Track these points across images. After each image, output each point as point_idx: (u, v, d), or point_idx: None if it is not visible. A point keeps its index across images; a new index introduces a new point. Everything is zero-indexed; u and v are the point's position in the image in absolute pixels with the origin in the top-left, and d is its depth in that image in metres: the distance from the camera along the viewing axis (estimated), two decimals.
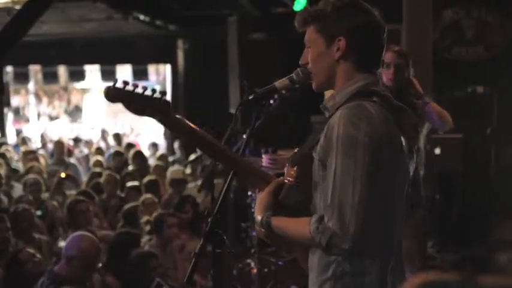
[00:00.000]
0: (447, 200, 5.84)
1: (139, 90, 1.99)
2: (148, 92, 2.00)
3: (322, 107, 2.09)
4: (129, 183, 6.78)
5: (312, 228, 1.84)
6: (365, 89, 1.97)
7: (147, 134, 14.68)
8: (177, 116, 2.09)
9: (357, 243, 1.79)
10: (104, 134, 13.23)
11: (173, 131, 2.18)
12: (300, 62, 2.13)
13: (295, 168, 2.03)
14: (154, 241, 4.89)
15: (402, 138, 1.92)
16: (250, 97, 2.28)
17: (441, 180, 5.35)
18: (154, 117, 2.08)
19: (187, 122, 2.11)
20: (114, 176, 6.87)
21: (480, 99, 6.58)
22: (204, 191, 3.85)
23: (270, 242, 2.19)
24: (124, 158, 8.93)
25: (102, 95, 2.01)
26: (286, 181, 2.05)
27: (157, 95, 2.01)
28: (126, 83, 1.99)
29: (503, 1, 6.97)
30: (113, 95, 1.99)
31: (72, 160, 9.40)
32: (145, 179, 7.08)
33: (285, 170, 2.12)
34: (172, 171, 7.46)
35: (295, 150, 2.18)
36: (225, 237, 2.17)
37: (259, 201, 2.08)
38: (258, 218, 2.03)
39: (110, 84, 1.99)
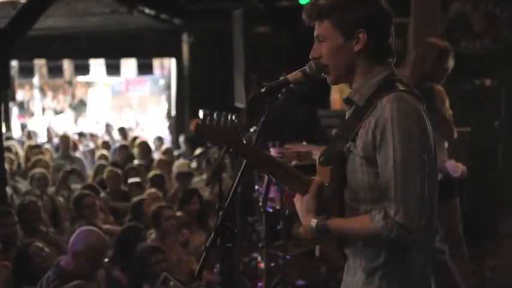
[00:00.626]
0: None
1: (214, 121, 1.92)
2: (223, 121, 1.93)
3: (346, 101, 2.08)
4: (131, 180, 6.75)
5: (380, 225, 1.85)
6: (389, 79, 1.99)
7: (152, 128, 14.70)
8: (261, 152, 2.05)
9: (420, 233, 1.85)
10: (108, 128, 13.25)
11: (243, 157, 2.12)
12: (311, 56, 2.11)
13: (329, 167, 2.01)
14: (154, 235, 4.88)
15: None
16: (263, 90, 2.26)
17: (441, 185, 5.31)
18: (230, 147, 2.05)
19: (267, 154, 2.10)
20: (116, 172, 6.83)
21: (488, 92, 6.53)
22: (212, 185, 3.83)
23: (316, 244, 2.17)
24: (129, 152, 8.93)
25: (193, 127, 1.96)
26: (323, 182, 2.02)
27: (229, 122, 1.93)
28: (208, 115, 1.92)
29: None
30: (200, 131, 1.93)
31: (78, 154, 9.40)
32: (151, 174, 7.06)
33: (316, 168, 2.09)
34: (178, 164, 7.45)
35: (322, 148, 2.15)
36: (235, 231, 2.16)
37: (304, 207, 2.03)
38: (312, 224, 1.99)
39: (200, 118, 1.92)
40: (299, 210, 2.08)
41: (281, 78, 2.27)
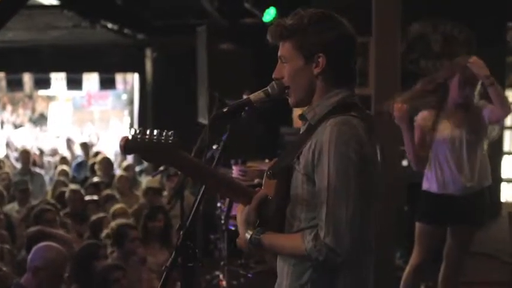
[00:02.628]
0: (415, 211, 5.88)
1: (146, 137, 1.88)
2: (155, 137, 1.89)
3: (301, 117, 2.11)
4: (87, 197, 6.63)
5: (309, 246, 1.87)
6: (344, 102, 2.01)
7: (114, 143, 14.54)
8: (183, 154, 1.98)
9: (350, 256, 1.86)
10: (69, 142, 13.06)
11: (181, 171, 2.11)
12: (273, 76, 2.13)
13: (275, 181, 2.03)
14: (116, 254, 4.82)
15: (377, 148, 1.99)
16: (225, 110, 2.27)
17: (409, 192, 5.40)
18: (164, 163, 2.03)
19: (190, 157, 2.03)
20: (79, 191, 6.67)
21: None
22: (173, 203, 3.80)
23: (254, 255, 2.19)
24: (91, 168, 8.81)
25: (118, 145, 1.91)
26: (266, 195, 2.04)
27: (163, 137, 1.89)
28: (138, 132, 1.89)
29: (468, 16, 7.11)
30: (130, 147, 1.90)
31: (38, 170, 9.25)
32: (104, 193, 6.95)
33: (263, 181, 2.11)
34: (148, 180, 7.35)
35: (272, 162, 2.17)
36: (196, 251, 2.16)
37: (243, 218, 2.05)
38: (247, 236, 2.02)
39: (126, 135, 1.89)
40: (238, 221, 2.09)
41: (244, 97, 2.30)
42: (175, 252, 2.11)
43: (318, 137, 1.93)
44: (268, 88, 2.19)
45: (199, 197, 2.16)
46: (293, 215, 1.99)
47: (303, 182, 1.95)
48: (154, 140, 1.89)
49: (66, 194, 6.57)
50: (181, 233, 2.13)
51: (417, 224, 4.23)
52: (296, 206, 1.98)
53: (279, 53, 2.10)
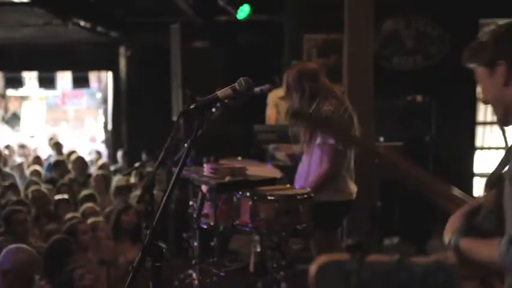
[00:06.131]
0: (388, 207, 5.93)
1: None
2: None
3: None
4: (58, 196, 6.54)
5: (502, 249, 1.78)
6: None
7: (88, 142, 14.40)
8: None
9: None
10: (43, 142, 12.91)
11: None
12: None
13: (493, 191, 1.96)
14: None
15: None
16: (192, 106, 2.25)
17: (382, 188, 5.43)
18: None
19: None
20: (43, 191, 6.57)
21: (419, 108, 6.73)
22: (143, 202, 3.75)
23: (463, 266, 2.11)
24: (65, 167, 8.70)
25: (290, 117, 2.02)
26: (484, 205, 1.97)
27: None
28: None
29: (441, 13, 7.16)
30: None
31: (8, 169, 9.11)
32: (82, 193, 6.88)
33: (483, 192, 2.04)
34: (116, 179, 7.29)
35: (492, 172, 2.11)
36: (164, 250, 2.13)
37: (450, 224, 1.99)
38: (446, 239, 1.96)
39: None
40: (446, 227, 2.03)
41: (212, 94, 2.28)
42: (142, 252, 2.09)
43: None
44: (236, 84, 2.18)
45: (166, 196, 2.13)
46: (503, 225, 1.91)
47: (510, 190, 1.86)
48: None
49: (29, 194, 6.47)
50: (147, 232, 2.11)
51: None
52: (506, 216, 1.90)
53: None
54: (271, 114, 6.18)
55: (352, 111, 3.86)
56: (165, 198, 2.11)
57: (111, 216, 5.84)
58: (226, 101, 2.33)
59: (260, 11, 8.18)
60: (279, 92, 5.26)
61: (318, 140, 3.79)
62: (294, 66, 4.12)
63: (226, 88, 2.26)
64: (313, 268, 0.95)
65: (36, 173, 8.47)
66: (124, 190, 6.85)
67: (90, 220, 5.20)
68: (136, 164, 6.60)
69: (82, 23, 8.88)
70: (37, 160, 10.01)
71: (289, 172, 4.23)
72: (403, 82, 7.07)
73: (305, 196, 3.56)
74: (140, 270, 2.11)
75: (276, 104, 6.04)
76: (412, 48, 7.38)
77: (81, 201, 6.53)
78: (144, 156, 9.19)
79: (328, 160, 3.80)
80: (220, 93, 2.26)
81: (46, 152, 11.96)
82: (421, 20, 7.37)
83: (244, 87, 2.20)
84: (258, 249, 3.83)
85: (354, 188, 4.01)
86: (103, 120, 13.74)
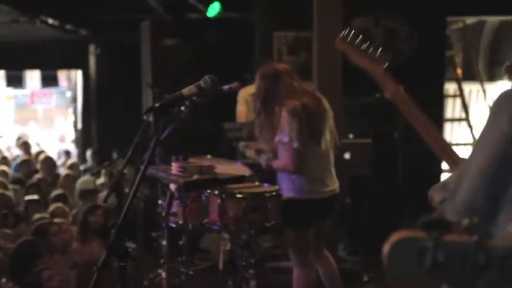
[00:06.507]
0: (357, 204, 5.96)
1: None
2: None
3: None
4: (28, 197, 6.43)
5: None
6: None
7: (57, 142, 14.23)
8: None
9: None
10: (11, 142, 12.70)
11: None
12: None
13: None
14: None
15: None
16: (157, 104, 2.24)
17: (351, 184, 5.46)
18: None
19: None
20: (7, 195, 6.45)
21: (388, 105, 6.76)
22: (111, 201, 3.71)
23: None
24: (33, 167, 8.58)
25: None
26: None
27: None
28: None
29: (409, 10, 7.22)
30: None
31: None
32: (53, 193, 6.78)
33: None
34: (82, 181, 7.15)
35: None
36: (129, 250, 2.11)
37: None
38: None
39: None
40: None
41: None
42: (106, 251, 2.07)
43: None
44: (201, 82, 2.17)
45: (131, 195, 2.12)
46: None
47: None
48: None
49: None
50: (112, 231, 2.09)
51: None
52: None
53: None
54: (241, 111, 6.16)
55: (325, 109, 3.85)
56: (130, 197, 2.08)
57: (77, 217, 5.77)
58: (194, 98, 2.32)
59: (230, 9, 8.16)
60: (250, 89, 5.25)
61: (276, 138, 3.70)
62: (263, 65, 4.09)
63: (192, 86, 2.25)
64: (389, 242, 0.93)
65: (2, 173, 8.33)
66: (87, 194, 6.73)
67: (55, 221, 5.13)
68: (106, 163, 6.51)
69: (50, 21, 8.76)
70: (4, 160, 9.84)
71: (258, 169, 4.22)
72: (372, 79, 7.12)
73: (273, 194, 3.56)
74: (106, 270, 2.09)
75: (247, 101, 6.02)
76: (382, 46, 7.43)
77: (52, 201, 6.44)
78: (114, 155, 9.11)
79: (286, 157, 3.69)
80: (185, 91, 2.25)
81: (15, 152, 11.78)
82: (390, 18, 7.42)
83: (209, 85, 2.19)
84: (228, 247, 3.83)
85: (332, 186, 3.94)
86: (73, 119, 13.59)
